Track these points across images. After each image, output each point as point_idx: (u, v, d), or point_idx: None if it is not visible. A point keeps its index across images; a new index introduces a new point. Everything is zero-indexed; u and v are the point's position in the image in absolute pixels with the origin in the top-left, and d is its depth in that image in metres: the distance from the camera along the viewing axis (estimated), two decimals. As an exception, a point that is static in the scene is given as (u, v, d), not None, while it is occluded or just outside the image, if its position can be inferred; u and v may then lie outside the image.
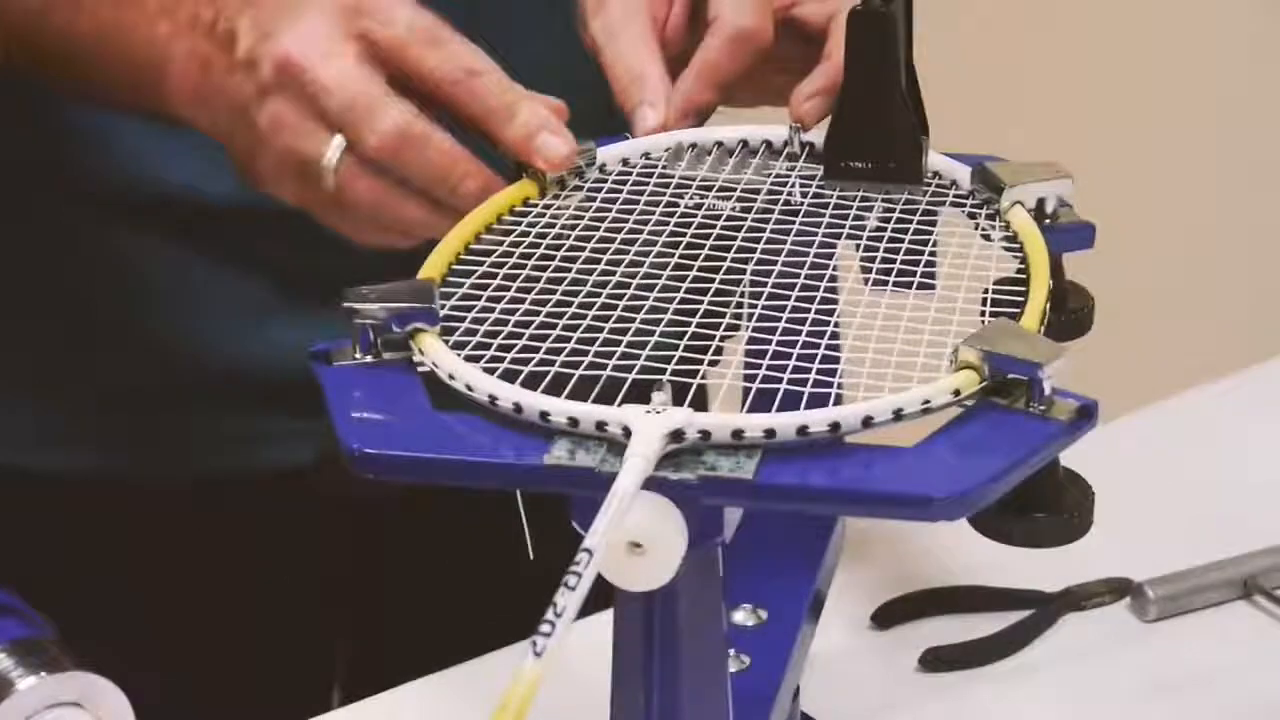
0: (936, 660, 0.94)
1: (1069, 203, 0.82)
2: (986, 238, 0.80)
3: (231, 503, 1.06)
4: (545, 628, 0.56)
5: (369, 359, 0.71)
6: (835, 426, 0.65)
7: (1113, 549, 0.99)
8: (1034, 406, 0.67)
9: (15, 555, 0.85)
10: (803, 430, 0.65)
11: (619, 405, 0.65)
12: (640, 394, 0.67)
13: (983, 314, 0.74)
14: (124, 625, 1.01)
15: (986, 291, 0.76)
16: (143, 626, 1.06)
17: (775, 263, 0.77)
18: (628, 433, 0.64)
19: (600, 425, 0.65)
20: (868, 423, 0.65)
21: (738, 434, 0.64)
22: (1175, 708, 0.92)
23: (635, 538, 0.62)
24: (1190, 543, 1.02)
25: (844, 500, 0.65)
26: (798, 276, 0.76)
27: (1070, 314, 0.83)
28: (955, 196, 0.82)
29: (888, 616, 0.97)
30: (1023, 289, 0.74)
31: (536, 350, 0.70)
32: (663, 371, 0.69)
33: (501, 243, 0.78)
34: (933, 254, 0.79)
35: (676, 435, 0.64)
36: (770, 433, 0.65)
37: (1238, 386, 1.19)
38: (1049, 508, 0.70)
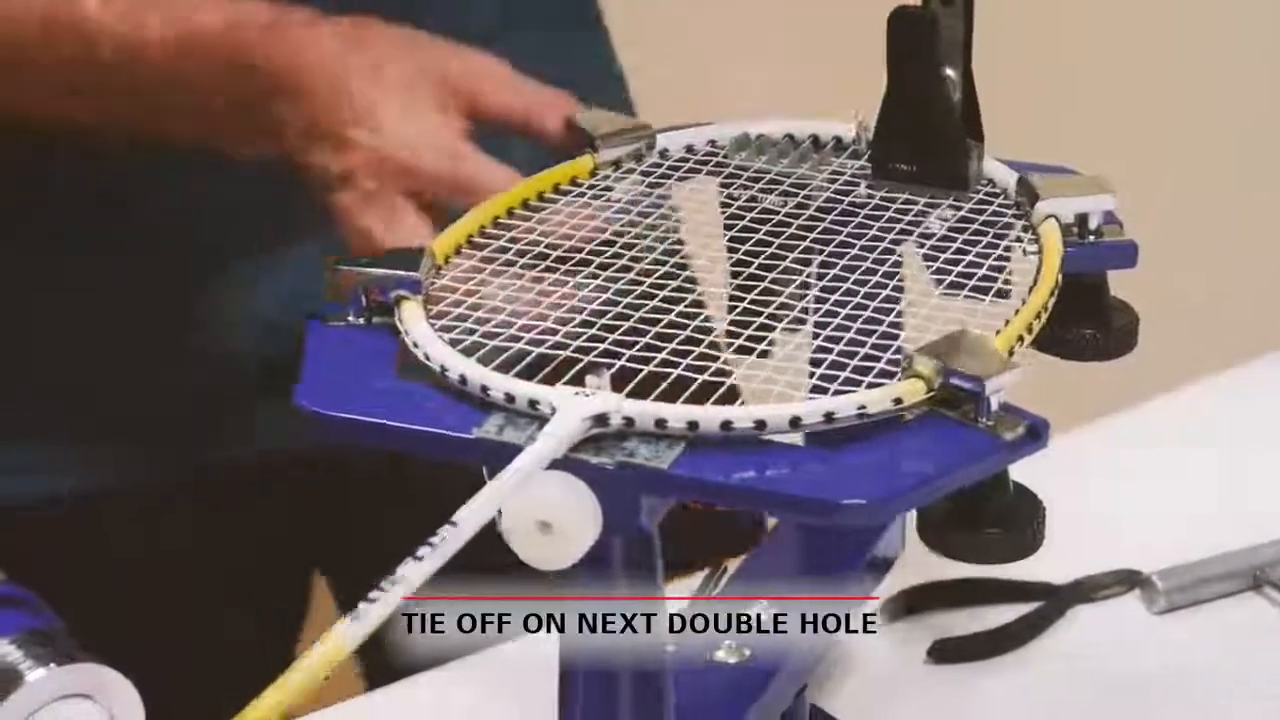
0: (945, 652, 0.94)
1: (1118, 220, 0.80)
2: (1022, 249, 0.78)
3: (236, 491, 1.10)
4: (375, 594, 0.57)
5: (360, 322, 0.74)
6: (761, 424, 0.65)
7: (1121, 541, 1.00)
8: (981, 421, 0.66)
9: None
10: (726, 425, 0.65)
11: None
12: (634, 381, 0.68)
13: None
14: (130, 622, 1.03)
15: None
16: (150, 623, 1.09)
17: (786, 259, 0.77)
18: (555, 412, 0.65)
19: (533, 403, 0.66)
20: (795, 423, 0.65)
21: (661, 423, 0.65)
22: (1184, 699, 0.91)
23: (543, 516, 0.64)
24: (1199, 534, 1.00)
25: (753, 499, 0.65)
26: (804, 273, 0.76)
27: (1116, 331, 0.81)
28: (1001, 205, 0.81)
29: (896, 608, 0.96)
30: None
31: (509, 327, 0.72)
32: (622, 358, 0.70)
33: (528, 218, 0.80)
34: (972, 261, 0.78)
35: (601, 419, 0.65)
36: (694, 425, 0.65)
37: (1246, 377, 1.17)
38: (997, 524, 0.69)
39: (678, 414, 0.65)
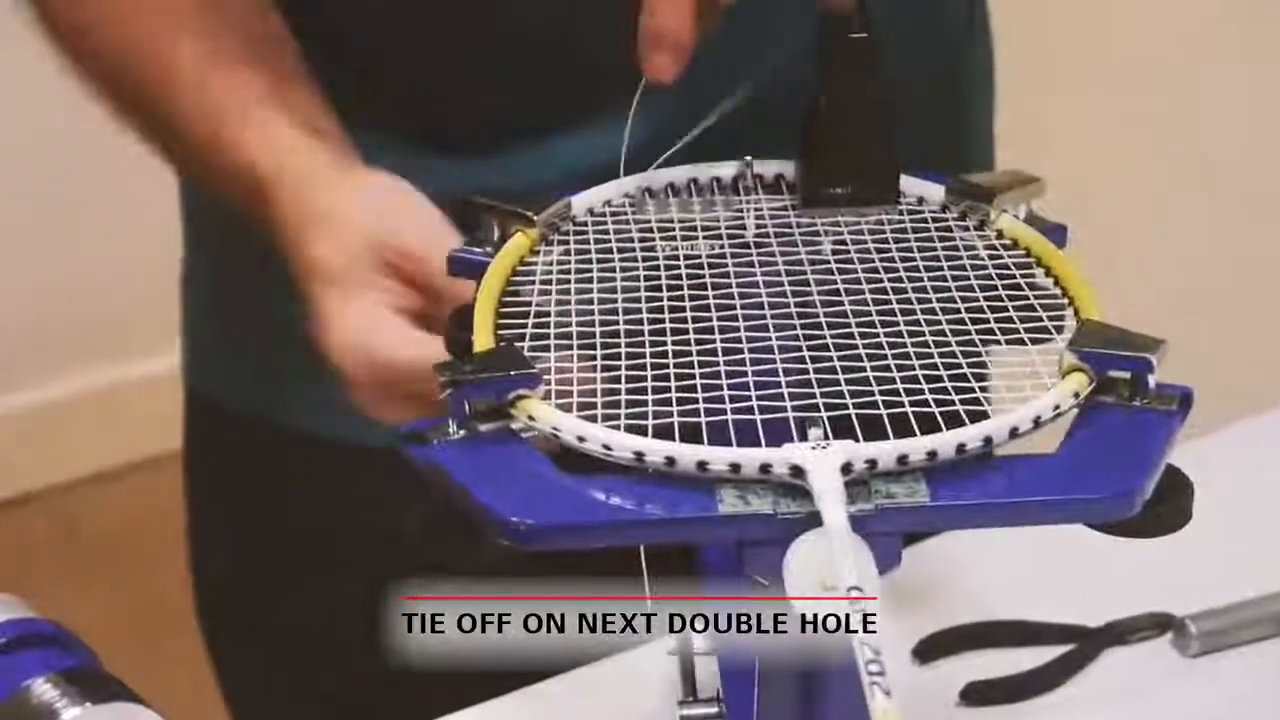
0: (978, 695, 0.94)
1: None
2: (988, 249, 0.80)
3: None
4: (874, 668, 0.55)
5: (463, 434, 0.69)
6: (988, 441, 0.66)
7: (1155, 584, 1.00)
8: (1141, 400, 0.69)
9: None
10: (960, 448, 0.65)
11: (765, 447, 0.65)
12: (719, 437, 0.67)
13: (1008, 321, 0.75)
14: None
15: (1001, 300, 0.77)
16: None
17: (824, 293, 0.77)
18: (796, 472, 0.64)
19: (764, 468, 0.64)
20: (1014, 434, 0.66)
21: (903, 459, 0.64)
22: (1216, 742, 0.92)
23: (835, 582, 0.61)
24: (1233, 577, 1.01)
25: (1021, 512, 0.65)
26: (848, 304, 0.76)
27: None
28: (933, 213, 0.83)
29: (929, 651, 0.96)
30: (1042, 290, 0.76)
31: (643, 403, 0.69)
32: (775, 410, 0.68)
33: (529, 304, 0.76)
34: (955, 272, 0.78)
35: (847, 469, 0.64)
36: (932, 454, 0.65)
37: (1280, 420, 1.17)
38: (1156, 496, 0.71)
39: (918, 446, 0.65)
